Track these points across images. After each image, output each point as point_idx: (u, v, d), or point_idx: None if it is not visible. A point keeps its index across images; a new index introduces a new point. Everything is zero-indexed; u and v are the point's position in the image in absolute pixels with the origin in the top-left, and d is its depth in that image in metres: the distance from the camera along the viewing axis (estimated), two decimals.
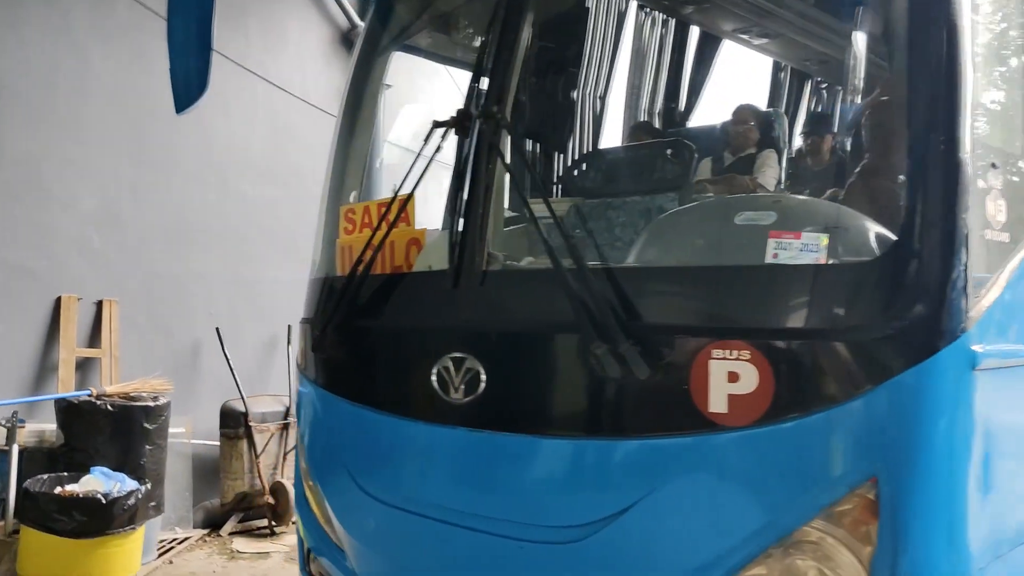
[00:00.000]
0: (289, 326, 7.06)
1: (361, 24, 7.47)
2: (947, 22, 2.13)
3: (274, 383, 7.06)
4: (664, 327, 2.23)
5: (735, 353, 2.09)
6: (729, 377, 2.10)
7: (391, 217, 3.03)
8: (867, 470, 2.00)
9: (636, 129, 5.36)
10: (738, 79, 6.20)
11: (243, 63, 6.78)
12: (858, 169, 3.51)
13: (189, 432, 6.44)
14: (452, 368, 2.62)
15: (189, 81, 3.47)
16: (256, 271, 7.02)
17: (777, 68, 6.25)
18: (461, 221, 2.74)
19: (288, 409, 6.87)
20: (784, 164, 4.97)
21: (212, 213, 6.73)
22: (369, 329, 3.01)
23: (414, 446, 2.80)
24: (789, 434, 2.06)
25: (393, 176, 4.90)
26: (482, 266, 2.66)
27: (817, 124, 5.54)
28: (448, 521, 2.63)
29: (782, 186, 4.86)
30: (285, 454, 6.77)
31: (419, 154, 2.94)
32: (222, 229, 6.80)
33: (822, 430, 2.03)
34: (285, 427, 6.81)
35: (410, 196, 2.99)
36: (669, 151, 4.41)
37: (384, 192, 3.85)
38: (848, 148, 5.43)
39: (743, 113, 4.96)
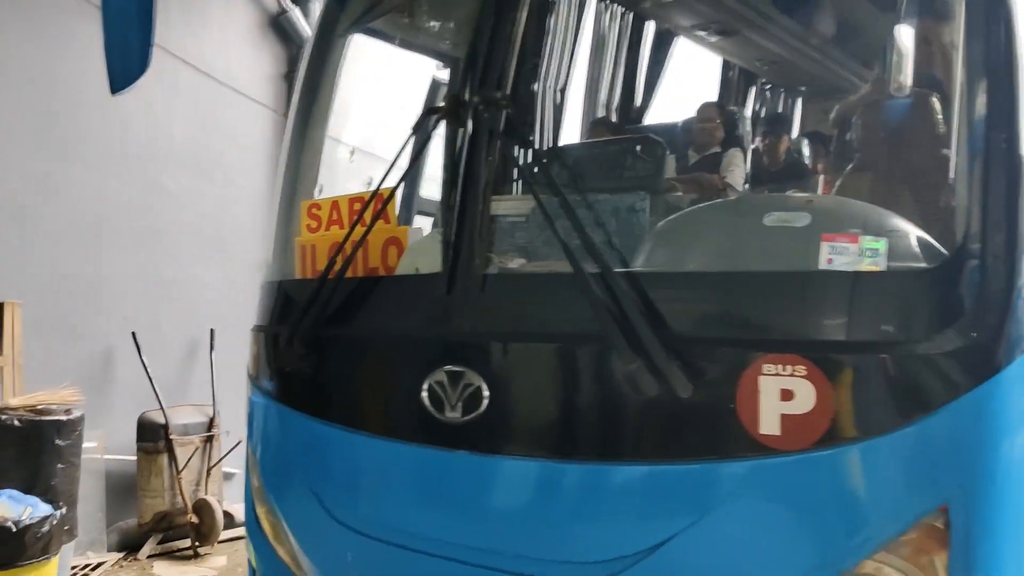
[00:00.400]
0: (212, 330, 6.58)
1: (291, 8, 7.04)
2: (1006, 12, 1.98)
3: (196, 392, 6.56)
4: (706, 339, 2.00)
5: (789, 368, 1.88)
6: (782, 395, 1.89)
7: (370, 213, 2.72)
8: (937, 497, 1.82)
9: (596, 125, 5.15)
10: (693, 77, 6.08)
11: (163, 44, 6.25)
12: (849, 168, 3.39)
13: (102, 447, 5.87)
14: (447, 383, 2.33)
15: (128, 57, 3.05)
16: (177, 271, 6.50)
17: (729, 67, 6.17)
18: (456, 219, 2.45)
19: (212, 420, 6.39)
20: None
21: (129, 207, 6.19)
22: (343, 339, 2.68)
23: (399, 470, 2.50)
24: (850, 459, 1.86)
25: (356, 169, 4.59)
26: (482, 269, 2.38)
27: (774, 125, 5.47)
28: (444, 556, 2.33)
29: (747, 185, 4.74)
30: (209, 469, 6.29)
31: (406, 145, 2.64)
32: (139, 225, 6.26)
33: (887, 454, 1.84)
34: (209, 440, 6.33)
35: (393, 191, 2.68)
36: (639, 147, 4.22)
37: (347, 187, 3.51)
38: (806, 148, 5.40)
39: (708, 111, 4.82)
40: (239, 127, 6.84)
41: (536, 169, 2.48)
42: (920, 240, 2.14)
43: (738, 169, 4.63)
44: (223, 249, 6.79)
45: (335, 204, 2.99)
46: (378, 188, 2.70)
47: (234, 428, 6.54)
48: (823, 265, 1.95)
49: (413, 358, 2.47)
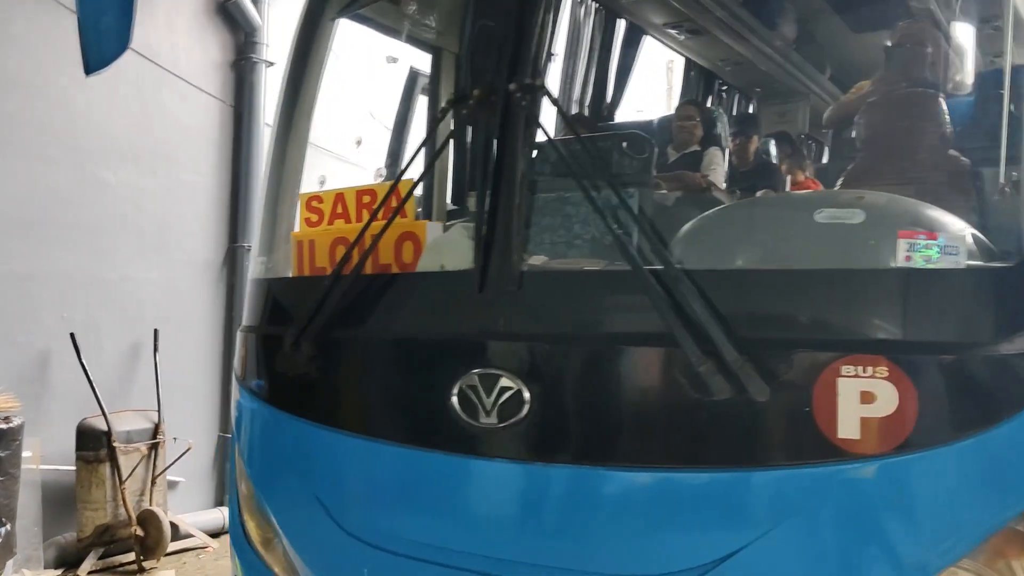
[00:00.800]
0: (156, 331, 6.21)
1: None
2: None
3: (139, 396, 6.18)
4: (780, 340, 1.91)
5: (870, 370, 1.80)
6: (862, 398, 1.81)
7: (390, 206, 2.54)
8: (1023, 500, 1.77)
9: (572, 121, 5.04)
10: (662, 75, 6.06)
11: None
12: (851, 167, 3.37)
13: (38, 457, 5.47)
14: (480, 387, 2.18)
15: (105, 31, 2.79)
16: (118, 269, 6.11)
17: (693, 66, 6.17)
18: (488, 213, 2.30)
19: (157, 426, 6.03)
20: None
21: (66, 201, 5.79)
22: (359, 341, 2.51)
23: (424, 480, 2.34)
24: (934, 462, 1.80)
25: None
26: (519, 266, 2.24)
27: (744, 125, 5.48)
28: (478, 571, 2.19)
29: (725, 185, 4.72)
30: (155, 478, 5.94)
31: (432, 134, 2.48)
32: (77, 220, 5.86)
33: (972, 457, 1.78)
34: (154, 447, 5.97)
35: (415, 184, 2.52)
36: (625, 144, 4.15)
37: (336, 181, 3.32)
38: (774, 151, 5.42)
39: (688, 109, 4.79)
40: (184, 117, 6.49)
41: (578, 158, 2.34)
42: (976, 239, 2.11)
43: (720, 168, 4.61)
44: (166, 246, 6.43)
45: (340, 197, 2.81)
46: (398, 178, 2.53)
47: (181, 433, 6.21)
48: (901, 262, 1.88)
49: (440, 361, 2.31)
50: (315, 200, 2.87)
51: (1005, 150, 2.17)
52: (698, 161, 4.65)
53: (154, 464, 5.94)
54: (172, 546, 5.82)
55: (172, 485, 6.35)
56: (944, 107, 3.16)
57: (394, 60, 8.39)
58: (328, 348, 2.52)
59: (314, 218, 2.86)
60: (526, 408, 2.12)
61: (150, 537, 5.68)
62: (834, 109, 3.73)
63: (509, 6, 2.42)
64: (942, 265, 1.86)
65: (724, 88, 6.64)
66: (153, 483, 5.92)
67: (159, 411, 6.06)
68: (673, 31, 5.47)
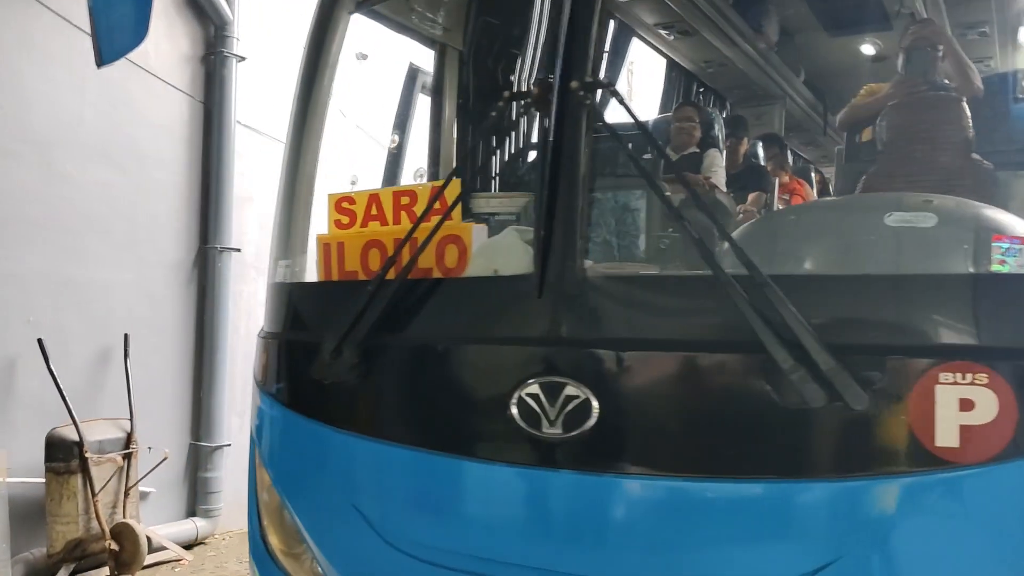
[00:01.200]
0: (127, 335, 5.96)
1: None
2: None
3: (109, 404, 5.91)
4: (874, 346, 1.86)
5: (969, 377, 1.77)
6: (961, 405, 1.78)
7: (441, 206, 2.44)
8: None
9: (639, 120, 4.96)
10: (651, 77, 6.03)
11: (68, 16, 5.60)
12: (873, 170, 3.37)
13: (3, 469, 5.19)
14: (543, 396, 2.10)
15: (119, 21, 2.62)
16: (86, 270, 5.84)
17: (679, 67, 6.17)
18: (548, 214, 2.21)
19: (130, 435, 5.77)
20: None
21: (31, 199, 5.50)
22: (407, 349, 2.40)
23: (479, 492, 2.25)
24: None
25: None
26: (582, 271, 2.16)
27: (735, 127, 5.49)
28: None
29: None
30: (128, 489, 5.69)
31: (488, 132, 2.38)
32: (43, 219, 5.57)
33: None
34: (128, 457, 5.72)
35: (464, 191, 2.42)
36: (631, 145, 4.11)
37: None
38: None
39: (687, 111, 4.77)
40: (153, 113, 6.23)
41: (651, 158, 2.27)
42: None
43: (720, 169, 4.60)
44: (136, 246, 6.17)
45: (375, 198, 2.68)
46: (450, 178, 2.42)
47: (153, 442, 5.96)
48: (995, 267, 1.86)
49: (499, 369, 2.22)
50: (346, 201, 2.74)
51: None
52: (698, 162, 4.64)
53: (128, 475, 5.69)
54: (147, 559, 5.58)
55: (143, 496, 6.09)
56: (967, 110, 3.19)
57: (364, 56, 8.24)
58: (374, 356, 2.41)
59: (345, 220, 2.74)
60: (595, 417, 2.04)
61: (125, 551, 5.44)
62: (849, 111, 3.73)
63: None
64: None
65: (702, 91, 6.66)
66: (127, 495, 5.67)
67: (131, 419, 5.81)
68: (664, 31, 5.45)
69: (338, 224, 2.75)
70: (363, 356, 2.40)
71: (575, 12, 2.30)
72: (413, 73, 4.15)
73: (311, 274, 2.91)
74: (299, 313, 2.75)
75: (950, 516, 1.81)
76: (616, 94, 2.26)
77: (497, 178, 3.68)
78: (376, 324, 2.35)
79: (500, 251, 2.47)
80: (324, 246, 2.79)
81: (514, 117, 2.42)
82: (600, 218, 2.43)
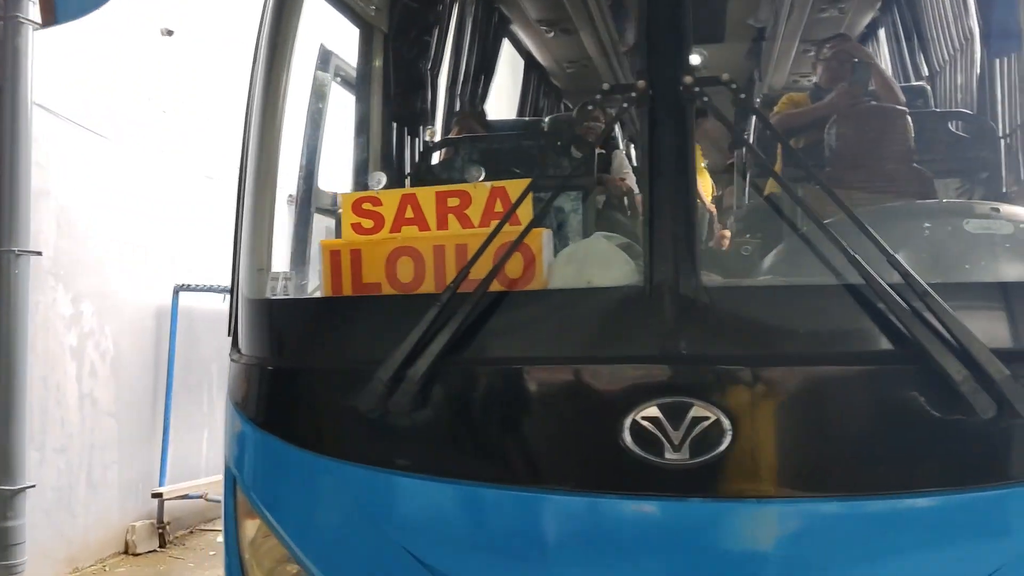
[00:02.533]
0: None
1: None
2: None
3: None
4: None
5: None
6: None
7: (492, 211, 2.16)
8: None
9: (464, 118, 4.73)
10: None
11: None
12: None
13: None
14: (664, 419, 1.92)
15: None
16: None
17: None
18: (657, 220, 2.02)
19: None
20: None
21: None
22: (488, 374, 2.09)
23: (591, 528, 2.01)
24: None
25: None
26: (696, 280, 1.99)
27: None
28: None
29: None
30: None
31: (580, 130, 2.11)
32: None
33: None
34: None
35: (553, 196, 2.18)
36: (572, 149, 4.00)
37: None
38: None
39: (593, 112, 4.67)
40: None
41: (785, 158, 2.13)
42: None
43: (631, 170, 4.59)
44: None
45: (410, 198, 2.31)
46: (535, 183, 2.13)
47: None
48: None
49: (607, 391, 2.01)
50: (368, 202, 2.34)
51: None
52: (606, 162, 4.60)
53: None
54: None
55: None
56: (909, 121, 3.41)
57: (169, 32, 7.30)
58: (445, 383, 2.07)
59: (367, 224, 2.34)
60: (728, 439, 1.89)
61: None
62: (786, 119, 3.84)
63: None
64: None
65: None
66: None
67: None
68: (544, 28, 5.36)
69: (357, 228, 2.35)
70: (430, 384, 2.05)
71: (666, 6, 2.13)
72: (328, 60, 3.70)
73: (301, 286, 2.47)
74: (320, 335, 2.30)
75: None
76: (733, 90, 2.11)
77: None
78: (448, 345, 2.02)
79: (590, 260, 2.22)
80: (331, 254, 2.36)
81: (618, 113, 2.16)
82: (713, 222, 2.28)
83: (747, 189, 2.08)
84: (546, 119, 5.10)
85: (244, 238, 2.56)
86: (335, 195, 3.59)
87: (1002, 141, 3.59)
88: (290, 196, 3.48)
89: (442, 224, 2.28)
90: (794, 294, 2.05)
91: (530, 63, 5.85)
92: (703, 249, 2.13)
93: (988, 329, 1.90)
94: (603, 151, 4.69)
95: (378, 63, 3.51)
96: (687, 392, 1.92)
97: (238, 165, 2.68)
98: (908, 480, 1.90)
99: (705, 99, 2.03)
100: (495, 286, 2.08)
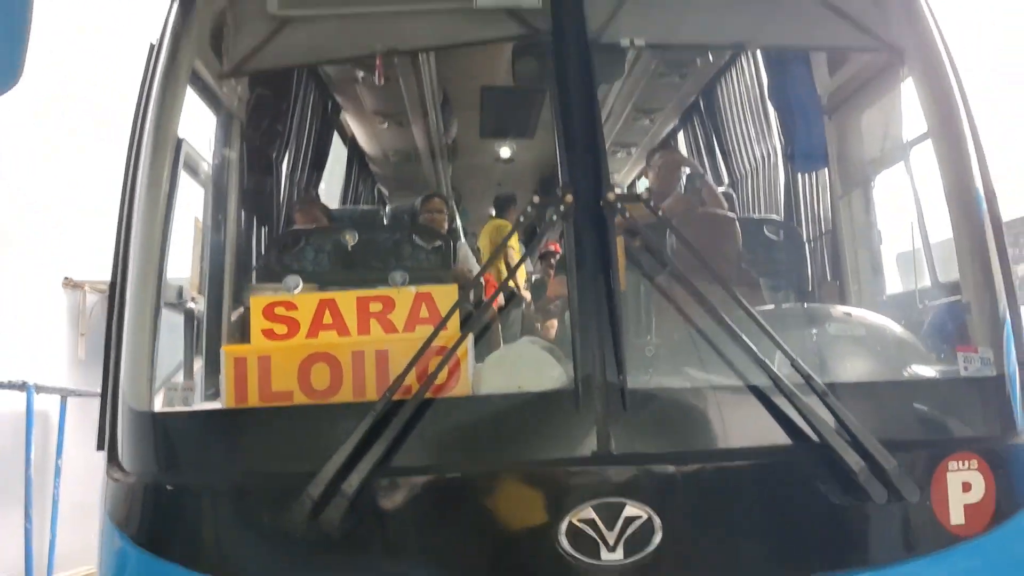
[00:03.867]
0: None
1: None
2: None
3: None
4: (904, 443, 2.16)
5: (966, 464, 2.18)
6: (963, 488, 2.17)
7: (416, 316, 2.17)
8: None
9: (307, 204, 4.63)
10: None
11: None
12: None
13: None
14: (599, 520, 2.01)
15: None
16: None
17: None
18: (584, 327, 2.13)
19: None
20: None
21: None
22: (421, 484, 2.06)
23: None
24: (1009, 536, 2.23)
25: None
26: (624, 383, 2.11)
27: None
28: None
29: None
30: None
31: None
32: None
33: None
34: None
35: (498, 298, 2.19)
36: (417, 238, 4.05)
37: None
38: None
39: (438, 202, 4.77)
40: None
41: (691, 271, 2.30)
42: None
43: (473, 259, 4.70)
44: None
45: (329, 304, 2.25)
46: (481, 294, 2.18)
47: None
48: (963, 373, 2.31)
49: (540, 496, 2.06)
50: (281, 306, 2.25)
51: None
52: (449, 253, 4.68)
53: None
54: None
55: None
56: (738, 226, 3.81)
57: None
58: (378, 496, 2.02)
59: (280, 329, 2.24)
60: (659, 536, 2.01)
61: None
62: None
63: (569, 113, 2.30)
64: (984, 375, 2.34)
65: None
66: None
67: None
68: (379, 118, 5.42)
69: (269, 335, 2.24)
70: (363, 497, 1.99)
71: (587, 124, 2.30)
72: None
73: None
74: (228, 449, 2.15)
75: None
76: (648, 205, 2.29)
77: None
78: (383, 456, 1.99)
79: (519, 364, 2.26)
80: (236, 361, 2.24)
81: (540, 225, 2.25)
82: (636, 326, 2.40)
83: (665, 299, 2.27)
84: (387, 208, 5.12)
85: (126, 344, 2.34)
86: (180, 288, 3.39)
87: (807, 245, 4.10)
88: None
89: (363, 330, 2.25)
90: (714, 395, 2.21)
91: (363, 152, 5.87)
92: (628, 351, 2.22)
93: (872, 422, 2.18)
94: (440, 243, 4.79)
95: (233, 156, 3.39)
96: (620, 492, 2.01)
97: (112, 266, 2.47)
98: (821, 562, 2.10)
99: (627, 215, 2.19)
100: (424, 394, 2.08)
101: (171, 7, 2.68)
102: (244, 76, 2.97)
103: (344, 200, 5.64)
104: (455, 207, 5.65)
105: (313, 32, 2.78)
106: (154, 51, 2.67)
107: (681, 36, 2.93)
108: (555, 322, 4.40)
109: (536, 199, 2.21)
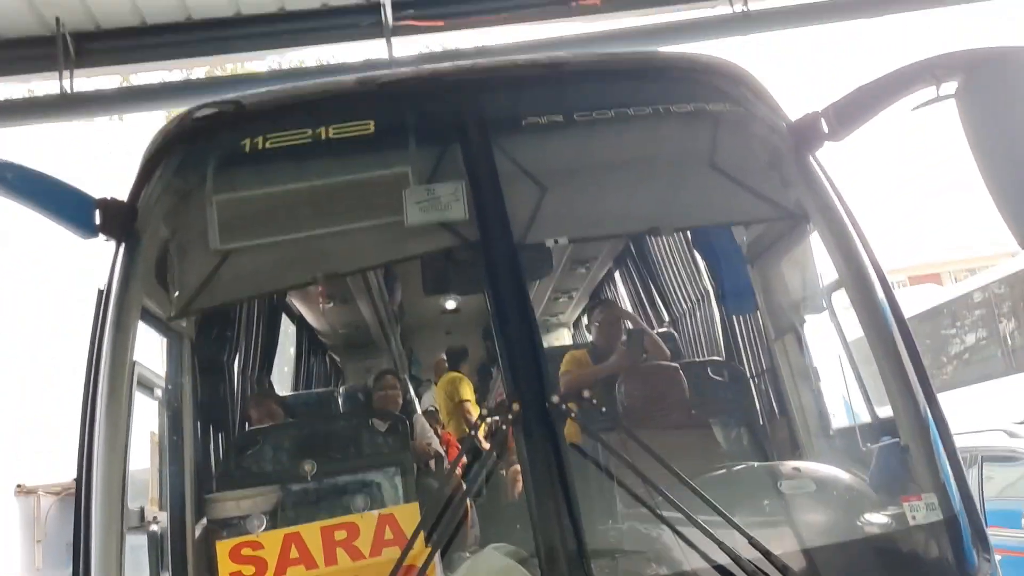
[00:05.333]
0: None
1: None
2: None
3: None
4: None
5: None
6: None
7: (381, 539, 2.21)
8: None
9: (261, 399, 4.66)
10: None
11: None
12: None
13: None
14: None
15: None
16: None
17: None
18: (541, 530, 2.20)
19: None
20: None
21: None
22: None
23: None
24: None
25: None
26: None
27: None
28: None
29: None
30: None
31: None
32: None
33: None
34: None
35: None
36: (375, 422, 4.10)
37: None
38: None
39: (391, 379, 4.85)
40: None
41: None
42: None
43: (430, 431, 4.74)
44: None
45: (294, 538, 2.27)
46: (446, 508, 2.22)
47: None
48: (912, 522, 2.41)
49: None
50: (247, 547, 2.27)
51: None
52: (406, 428, 4.72)
53: None
54: None
55: None
56: (683, 376, 3.95)
57: None
58: None
59: (248, 571, 2.25)
60: None
61: None
62: (577, 379, 4.23)
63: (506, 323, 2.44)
64: (931, 520, 2.44)
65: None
66: None
67: None
68: (323, 299, 5.53)
69: None
70: None
71: (523, 331, 2.43)
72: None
73: None
74: None
75: None
76: (592, 408, 2.40)
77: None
78: None
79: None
80: None
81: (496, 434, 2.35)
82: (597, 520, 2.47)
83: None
84: (341, 389, 5.17)
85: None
86: (141, 509, 3.37)
87: (752, 382, 4.25)
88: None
89: (331, 560, 2.27)
90: None
91: (312, 331, 5.96)
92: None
93: None
94: (403, 416, 4.84)
95: (185, 371, 3.44)
96: None
97: (75, 494, 2.47)
98: None
99: (572, 415, 2.30)
100: None
101: (116, 253, 2.79)
102: (192, 313, 3.06)
103: (298, 383, 5.69)
104: (407, 371, 5.71)
105: (256, 260, 2.91)
106: (103, 295, 2.76)
107: (598, 229, 3.13)
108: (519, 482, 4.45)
109: (485, 411, 2.31)
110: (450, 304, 7.37)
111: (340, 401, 4.91)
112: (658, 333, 4.93)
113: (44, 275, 6.97)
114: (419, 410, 5.16)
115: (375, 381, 4.77)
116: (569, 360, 4.46)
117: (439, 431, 5.38)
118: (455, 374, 6.76)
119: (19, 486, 7.12)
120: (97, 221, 2.78)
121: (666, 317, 5.37)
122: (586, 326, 4.65)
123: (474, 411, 6.02)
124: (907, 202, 21.02)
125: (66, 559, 4.03)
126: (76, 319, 2.86)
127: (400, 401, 4.81)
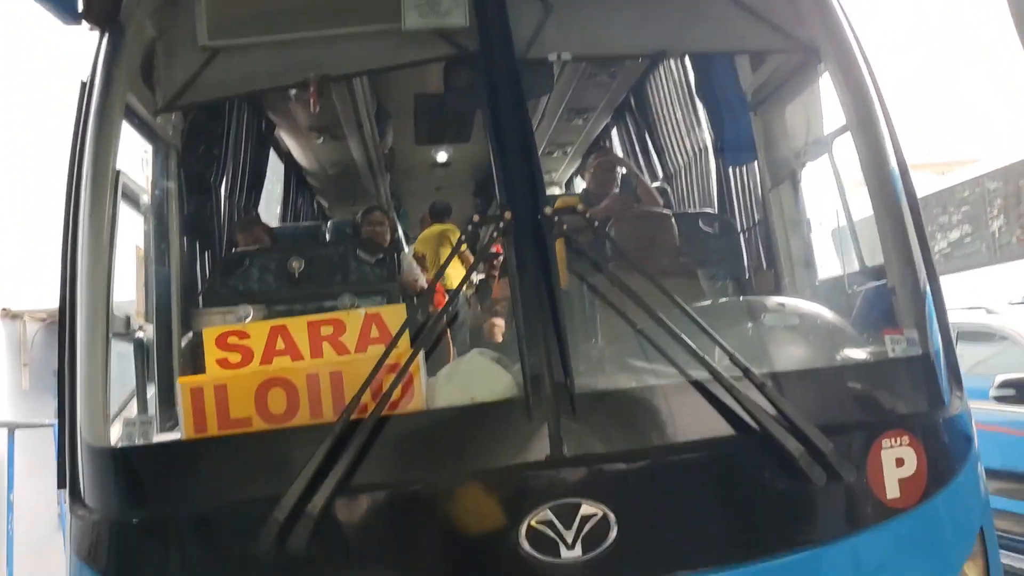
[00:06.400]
0: None
1: None
2: None
3: None
4: (838, 425, 2.28)
5: (898, 440, 2.32)
6: (896, 463, 2.31)
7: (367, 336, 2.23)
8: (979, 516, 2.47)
9: (248, 225, 4.61)
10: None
11: None
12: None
13: None
14: (557, 520, 2.09)
15: None
16: None
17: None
18: (531, 337, 2.21)
19: None
20: None
21: None
22: (386, 500, 2.12)
23: None
24: (943, 501, 2.37)
25: None
26: (572, 388, 2.20)
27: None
28: None
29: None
30: None
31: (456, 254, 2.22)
32: None
33: (957, 492, 2.41)
34: None
35: (443, 313, 2.25)
36: (362, 254, 4.08)
37: None
38: None
39: (379, 214, 4.79)
40: None
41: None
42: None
43: (418, 268, 4.74)
44: None
45: (280, 330, 2.29)
46: (438, 313, 2.23)
47: None
48: (891, 355, 2.45)
49: (499, 502, 2.14)
50: (234, 335, 2.28)
51: None
52: (393, 265, 4.71)
53: None
54: None
55: None
56: (674, 221, 3.94)
57: None
58: (342, 514, 2.07)
59: (234, 358, 2.27)
60: (615, 532, 2.10)
61: None
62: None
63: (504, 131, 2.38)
64: (912, 354, 2.48)
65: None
66: None
67: None
68: (315, 134, 5.42)
69: (223, 364, 2.27)
70: (329, 517, 2.05)
71: (520, 141, 2.38)
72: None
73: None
74: (193, 480, 2.18)
75: (908, 550, 2.31)
76: (585, 218, 2.37)
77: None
78: (345, 476, 2.04)
79: (471, 377, 2.33)
80: (193, 391, 2.26)
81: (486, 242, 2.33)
82: (581, 331, 2.48)
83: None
84: (328, 224, 5.13)
85: (80, 379, 2.35)
86: (127, 317, 3.38)
87: (741, 236, 4.24)
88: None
89: (316, 353, 2.29)
90: (658, 392, 2.31)
91: (301, 168, 5.86)
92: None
93: (809, 408, 2.29)
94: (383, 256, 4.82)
95: (171, 184, 3.38)
96: (575, 492, 2.09)
97: (59, 300, 2.48)
98: (772, 544, 2.21)
99: (564, 226, 2.28)
100: (381, 411, 2.13)
101: (100, 43, 2.68)
102: (178, 109, 2.97)
103: (285, 218, 5.64)
104: (395, 215, 5.66)
105: (245, 61, 2.80)
106: (86, 88, 2.66)
107: (604, 48, 3.02)
108: (502, 323, 4.49)
109: (476, 218, 2.28)
110: (441, 157, 7.25)
111: (327, 235, 4.87)
112: (653, 187, 4.88)
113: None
114: (407, 250, 5.15)
115: (363, 216, 4.72)
116: (559, 204, 4.43)
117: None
118: (440, 226, 6.69)
119: (4, 310, 7.15)
120: (80, 8, 2.66)
121: (660, 174, 5.31)
122: (580, 171, 4.58)
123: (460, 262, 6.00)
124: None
125: (51, 383, 4.06)
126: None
127: (388, 238, 4.77)
